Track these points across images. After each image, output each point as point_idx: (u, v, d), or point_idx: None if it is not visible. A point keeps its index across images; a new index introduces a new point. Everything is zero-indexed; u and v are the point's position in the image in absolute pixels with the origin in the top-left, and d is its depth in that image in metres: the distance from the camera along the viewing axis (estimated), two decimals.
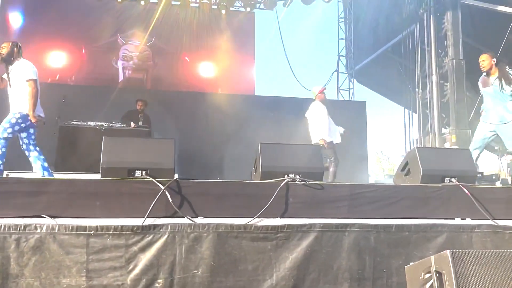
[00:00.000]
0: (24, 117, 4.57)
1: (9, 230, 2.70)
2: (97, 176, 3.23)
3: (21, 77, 4.61)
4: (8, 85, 4.68)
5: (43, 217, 2.82)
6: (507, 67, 4.96)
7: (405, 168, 3.88)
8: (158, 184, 3.03)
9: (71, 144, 6.90)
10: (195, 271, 2.94)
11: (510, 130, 4.80)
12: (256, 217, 3.06)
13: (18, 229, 2.71)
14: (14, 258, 2.71)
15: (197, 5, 12.38)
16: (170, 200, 3.02)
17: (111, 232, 2.83)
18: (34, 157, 4.70)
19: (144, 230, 2.90)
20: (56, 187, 2.89)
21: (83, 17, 11.49)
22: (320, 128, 6.86)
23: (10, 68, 4.66)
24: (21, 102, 4.58)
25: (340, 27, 13.98)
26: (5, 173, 4.73)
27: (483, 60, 5.01)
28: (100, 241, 2.82)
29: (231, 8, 12.58)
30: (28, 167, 4.85)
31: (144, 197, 3.03)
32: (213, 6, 12.47)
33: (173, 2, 12.06)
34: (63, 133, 7.02)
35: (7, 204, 2.81)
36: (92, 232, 2.81)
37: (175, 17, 11.98)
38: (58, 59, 11.37)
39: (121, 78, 11.80)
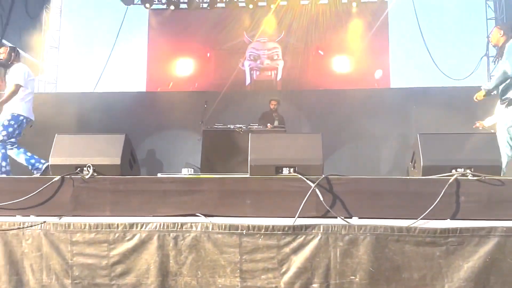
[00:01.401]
0: (16, 118, 4.78)
1: (167, 228, 2.76)
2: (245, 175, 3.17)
3: (13, 79, 4.85)
4: (5, 87, 4.99)
5: (198, 216, 2.83)
6: None
7: (412, 159, 3.20)
8: (308, 181, 2.84)
9: (214, 147, 7.19)
10: (352, 277, 2.66)
11: None
12: (421, 219, 2.67)
13: (176, 227, 2.76)
14: (173, 256, 2.76)
15: (326, 1, 12.11)
16: (321, 198, 2.80)
17: (262, 232, 2.72)
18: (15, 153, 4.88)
19: (296, 230, 2.72)
20: (208, 185, 2.89)
21: (209, 23, 12.02)
22: None
23: (8, 71, 4.96)
24: (12, 103, 4.79)
25: (489, 6, 12.38)
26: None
27: None
28: (252, 241, 2.72)
29: (362, 0, 12.04)
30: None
31: (294, 195, 2.87)
32: (343, 0, 12.06)
33: (302, 2, 11.99)
34: (207, 136, 7.37)
35: (164, 203, 2.89)
36: (244, 231, 2.73)
37: (304, 13, 11.78)
38: (185, 66, 12.11)
39: (248, 80, 11.83)
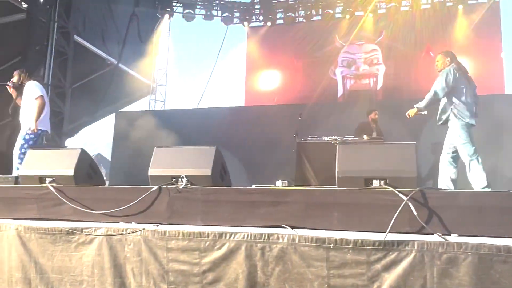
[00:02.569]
0: (33, 132, 5.13)
1: (254, 239, 2.80)
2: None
3: (30, 96, 5.21)
4: (21, 105, 5.34)
5: (284, 227, 2.82)
6: None
7: None
8: (400, 194, 2.67)
9: (309, 159, 7.16)
10: None
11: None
12: None
13: (263, 238, 2.78)
14: (260, 266, 2.78)
15: (428, 5, 11.47)
16: (415, 213, 2.61)
17: (351, 246, 2.62)
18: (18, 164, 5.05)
19: (387, 246, 2.57)
20: (295, 197, 2.87)
21: (303, 36, 11.89)
22: None
23: (22, 91, 5.35)
24: (31, 118, 5.14)
25: None
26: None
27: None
28: (340, 256, 2.63)
29: (470, 2, 11.19)
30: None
31: (384, 209, 2.72)
32: (448, 3, 11.33)
33: (402, 8, 11.52)
34: (301, 149, 7.36)
35: (252, 213, 2.93)
36: (332, 245, 2.65)
37: (405, 17, 11.04)
38: (279, 79, 12.14)
39: (340, 90, 11.05)
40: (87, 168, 3.50)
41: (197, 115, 11.11)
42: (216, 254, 2.87)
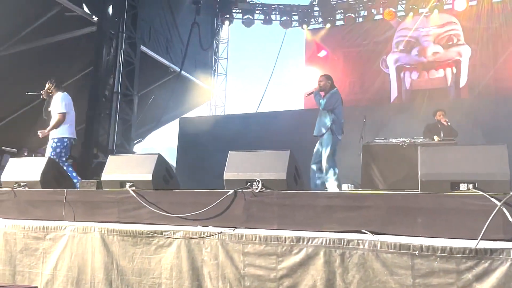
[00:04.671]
0: (61, 141, 5.47)
1: (333, 244, 2.73)
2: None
3: (54, 109, 5.55)
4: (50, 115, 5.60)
5: (363, 233, 2.73)
6: None
7: None
8: (492, 199, 2.49)
9: (375, 162, 6.94)
10: None
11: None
12: None
13: (342, 244, 2.70)
14: (340, 273, 2.70)
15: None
16: (510, 219, 2.43)
17: (438, 254, 2.47)
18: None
19: (479, 254, 2.41)
20: (375, 201, 2.77)
21: (362, 34, 11.37)
22: None
23: (51, 101, 5.63)
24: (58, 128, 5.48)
25: None
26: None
27: None
28: (426, 264, 2.50)
29: None
30: None
31: (473, 215, 2.55)
32: None
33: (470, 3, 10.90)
34: (366, 151, 7.16)
35: (330, 218, 2.86)
36: (417, 252, 2.52)
37: None
38: (339, 80, 11.79)
39: (393, 88, 9.61)
40: (163, 173, 3.61)
41: (258, 119, 11.17)
42: (293, 259, 2.83)
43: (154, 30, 11.89)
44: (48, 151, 5.62)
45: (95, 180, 3.77)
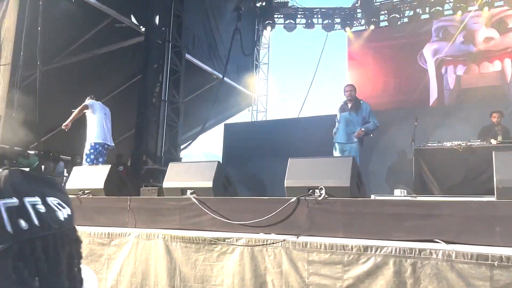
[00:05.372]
0: (93, 147, 5.74)
1: (404, 253, 2.64)
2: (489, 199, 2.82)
3: (88, 113, 5.79)
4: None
5: (436, 242, 2.63)
6: None
7: None
8: None
9: (429, 166, 6.72)
10: None
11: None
12: None
13: (413, 253, 2.61)
14: (411, 284, 2.61)
15: None
16: None
17: None
18: None
19: None
20: (448, 209, 2.66)
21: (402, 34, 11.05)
22: None
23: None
24: (89, 134, 5.77)
25: None
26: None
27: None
28: (506, 274, 2.37)
29: None
30: None
31: None
32: None
33: None
34: (419, 156, 6.94)
35: (399, 226, 2.78)
36: (496, 262, 2.40)
37: None
38: (376, 83, 11.48)
39: (433, 89, 9.01)
40: (223, 180, 3.63)
41: (301, 124, 11.09)
42: (360, 269, 2.76)
43: (198, 37, 12.10)
44: (83, 157, 5.90)
45: (156, 188, 3.85)
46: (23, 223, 0.65)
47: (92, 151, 5.85)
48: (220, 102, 12.87)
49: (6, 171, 0.69)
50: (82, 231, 3.88)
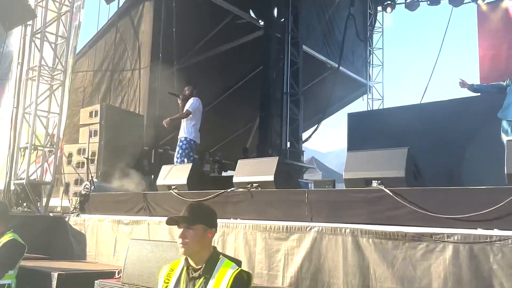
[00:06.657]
0: (186, 141, 5.74)
1: None
2: None
3: (186, 106, 5.79)
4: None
5: None
6: None
7: None
8: None
9: None
10: None
11: None
12: None
13: None
14: None
15: None
16: None
17: None
18: None
19: None
20: None
21: None
22: None
23: (187, 103, 5.82)
24: (182, 129, 5.81)
25: None
26: None
27: None
28: None
29: None
30: None
31: None
32: None
33: None
34: None
35: None
36: None
37: None
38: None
39: None
40: (413, 168, 3.26)
41: (425, 111, 10.12)
42: None
43: (312, 27, 11.78)
44: (177, 151, 5.87)
45: (332, 179, 3.59)
46: None
47: (186, 144, 5.86)
48: (335, 91, 12.39)
49: None
50: (256, 225, 3.75)
